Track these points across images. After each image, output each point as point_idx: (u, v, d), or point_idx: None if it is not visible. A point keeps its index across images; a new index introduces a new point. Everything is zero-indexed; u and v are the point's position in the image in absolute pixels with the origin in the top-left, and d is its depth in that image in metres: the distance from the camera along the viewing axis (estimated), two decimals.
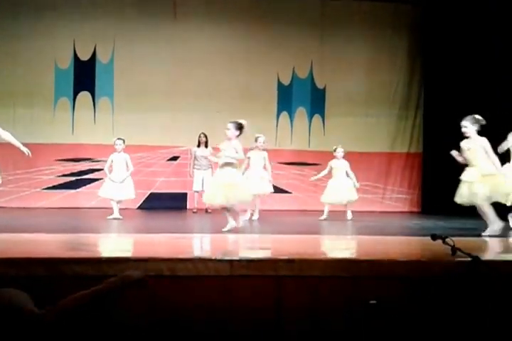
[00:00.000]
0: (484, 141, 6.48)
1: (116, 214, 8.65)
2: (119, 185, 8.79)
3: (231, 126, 6.84)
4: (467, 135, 6.55)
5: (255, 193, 8.76)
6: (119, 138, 9.06)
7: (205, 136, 10.57)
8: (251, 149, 8.99)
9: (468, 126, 6.51)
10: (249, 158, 8.98)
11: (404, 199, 12.04)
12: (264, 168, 9.11)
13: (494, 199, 6.53)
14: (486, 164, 6.47)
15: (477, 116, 6.54)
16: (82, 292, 2.83)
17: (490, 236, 6.19)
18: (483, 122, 6.52)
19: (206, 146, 10.53)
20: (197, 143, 10.62)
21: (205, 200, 7.44)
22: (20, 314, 2.67)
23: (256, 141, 9.09)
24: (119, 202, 8.84)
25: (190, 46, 11.42)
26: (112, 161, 8.95)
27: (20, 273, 3.56)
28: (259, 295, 3.77)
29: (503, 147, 7.42)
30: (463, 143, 6.59)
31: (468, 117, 6.56)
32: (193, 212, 10.44)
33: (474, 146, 6.49)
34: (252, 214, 8.90)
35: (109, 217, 8.53)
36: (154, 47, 11.36)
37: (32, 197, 10.94)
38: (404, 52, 12.06)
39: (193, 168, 10.58)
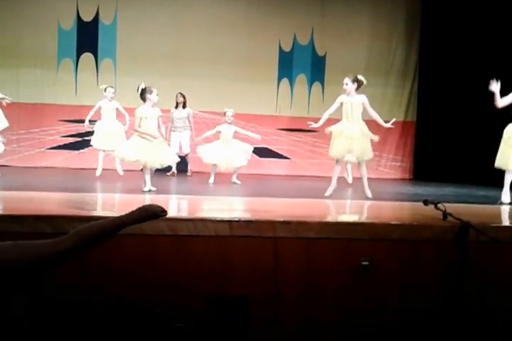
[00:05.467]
0: None
1: (100, 168, 8.90)
2: (109, 135, 8.85)
3: None
4: None
5: (230, 167, 8.96)
6: (110, 86, 9.12)
7: (183, 96, 10.14)
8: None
9: None
10: (219, 132, 9.07)
11: (398, 167, 12.18)
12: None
13: None
14: None
15: None
16: (100, 221, 2.91)
17: None
18: None
19: (184, 107, 10.18)
20: (175, 104, 10.22)
21: None
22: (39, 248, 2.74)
23: (224, 115, 9.08)
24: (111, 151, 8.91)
25: (193, 10, 11.35)
26: (99, 108, 8.97)
27: (25, 229, 3.63)
28: (256, 255, 3.86)
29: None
30: None
31: None
32: (171, 175, 9.92)
33: None
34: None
35: (97, 174, 8.76)
36: (157, 9, 11.28)
37: (35, 157, 11.02)
38: (403, 21, 12.02)
39: (170, 130, 10.03)
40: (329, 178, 9.41)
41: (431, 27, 11.46)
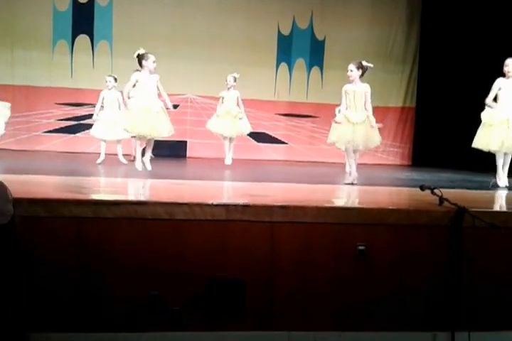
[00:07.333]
0: None
1: (102, 156, 8.67)
2: (110, 125, 8.66)
3: None
4: None
5: (230, 136, 9.01)
6: (109, 75, 8.98)
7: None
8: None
9: None
10: (222, 97, 9.26)
11: (396, 153, 12.17)
12: (238, 105, 9.31)
13: None
14: None
15: None
16: None
17: None
18: None
19: None
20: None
21: None
22: None
23: (226, 80, 9.27)
24: (118, 141, 8.82)
25: None
26: (103, 99, 8.88)
27: (20, 212, 3.56)
28: (253, 239, 3.86)
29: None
30: None
31: None
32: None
33: None
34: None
35: (98, 162, 8.54)
36: None
37: (31, 140, 10.96)
38: (404, 6, 11.97)
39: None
40: (327, 163, 9.45)
41: (431, 12, 11.43)
